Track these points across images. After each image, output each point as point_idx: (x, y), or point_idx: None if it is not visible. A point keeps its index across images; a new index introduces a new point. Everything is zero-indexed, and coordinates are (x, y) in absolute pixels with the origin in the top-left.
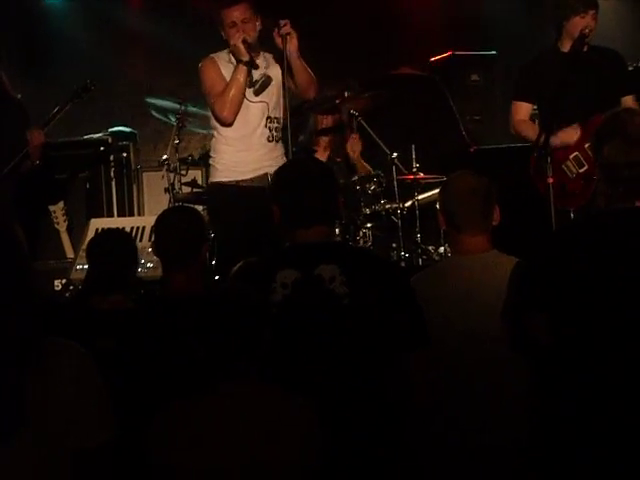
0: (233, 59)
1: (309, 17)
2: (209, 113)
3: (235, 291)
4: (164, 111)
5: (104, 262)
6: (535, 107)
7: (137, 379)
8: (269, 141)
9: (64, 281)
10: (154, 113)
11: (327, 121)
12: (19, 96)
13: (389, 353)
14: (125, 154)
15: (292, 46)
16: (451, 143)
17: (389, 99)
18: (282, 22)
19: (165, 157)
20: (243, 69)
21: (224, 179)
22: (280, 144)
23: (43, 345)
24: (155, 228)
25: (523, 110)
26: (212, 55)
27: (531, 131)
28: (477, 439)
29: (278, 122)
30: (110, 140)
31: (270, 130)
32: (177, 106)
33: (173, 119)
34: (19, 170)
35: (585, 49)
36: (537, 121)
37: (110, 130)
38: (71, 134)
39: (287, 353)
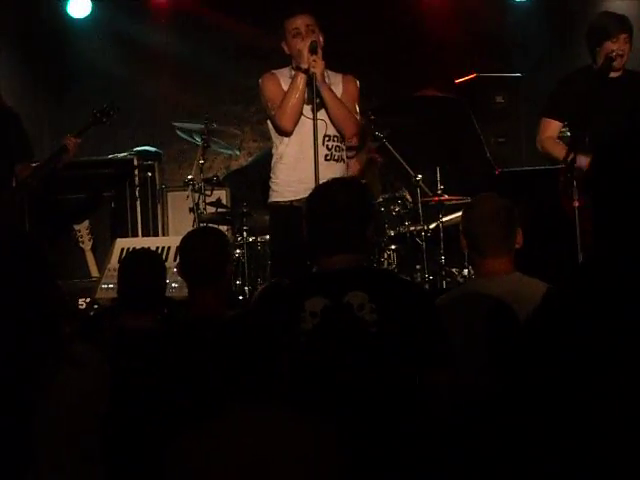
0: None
1: (328, 38)
2: (236, 131)
3: (253, 314)
4: (189, 131)
5: (136, 281)
6: (564, 127)
7: (161, 398)
8: (327, 160)
9: (88, 300)
10: (179, 133)
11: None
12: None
13: (417, 377)
14: (150, 173)
15: (317, 72)
16: (476, 165)
17: (414, 121)
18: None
19: (190, 177)
20: (303, 77)
21: (279, 199)
22: (341, 164)
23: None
24: (180, 249)
25: (552, 127)
26: (273, 71)
27: (557, 150)
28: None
29: (338, 140)
30: (135, 160)
31: (329, 149)
32: (203, 127)
33: (198, 139)
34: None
35: (619, 73)
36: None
37: (135, 149)
38: (96, 153)
39: (317, 381)
